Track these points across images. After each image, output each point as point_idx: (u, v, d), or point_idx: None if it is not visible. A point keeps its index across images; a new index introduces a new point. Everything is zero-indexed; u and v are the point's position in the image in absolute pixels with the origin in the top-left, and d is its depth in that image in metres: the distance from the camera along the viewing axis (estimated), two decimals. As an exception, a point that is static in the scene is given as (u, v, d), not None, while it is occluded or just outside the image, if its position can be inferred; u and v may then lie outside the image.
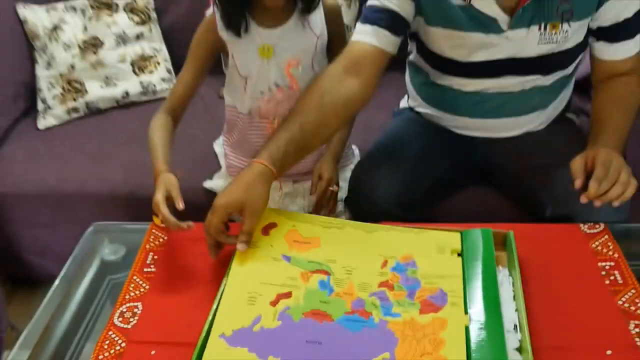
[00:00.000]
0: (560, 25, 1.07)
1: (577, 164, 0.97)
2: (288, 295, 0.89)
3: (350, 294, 0.88)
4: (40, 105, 1.68)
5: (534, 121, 1.22)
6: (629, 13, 1.07)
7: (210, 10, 1.14)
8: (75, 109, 1.68)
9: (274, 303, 0.88)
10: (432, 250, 0.94)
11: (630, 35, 1.10)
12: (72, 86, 1.68)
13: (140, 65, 1.73)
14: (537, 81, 1.15)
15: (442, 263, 0.92)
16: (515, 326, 0.81)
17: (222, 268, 0.96)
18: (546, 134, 1.21)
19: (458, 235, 0.95)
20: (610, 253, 0.94)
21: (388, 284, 0.90)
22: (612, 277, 0.89)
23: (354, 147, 1.39)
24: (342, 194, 1.25)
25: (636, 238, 1.02)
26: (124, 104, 1.72)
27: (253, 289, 0.90)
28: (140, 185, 1.44)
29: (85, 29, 1.72)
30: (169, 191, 0.99)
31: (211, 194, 1.38)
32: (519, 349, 0.78)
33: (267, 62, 1.14)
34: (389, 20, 1.10)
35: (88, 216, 1.24)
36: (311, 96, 1.06)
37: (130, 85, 1.71)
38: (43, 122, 1.67)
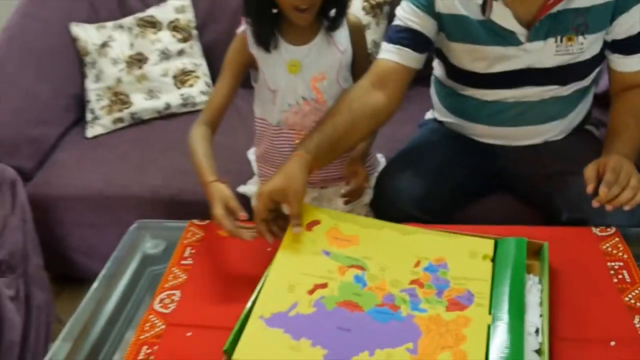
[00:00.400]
0: (575, 37, 1.13)
1: (589, 171, 1.02)
2: (324, 286, 0.96)
3: (382, 289, 0.95)
4: (88, 116, 1.81)
5: (553, 130, 1.27)
6: (638, 28, 1.12)
7: (242, 28, 1.22)
8: (120, 119, 1.80)
9: (310, 292, 0.95)
10: (465, 254, 0.99)
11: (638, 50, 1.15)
12: (119, 98, 1.81)
13: (181, 79, 1.84)
14: (555, 91, 1.21)
15: (472, 267, 0.96)
16: (537, 330, 0.85)
17: (255, 261, 1.04)
18: (564, 143, 1.26)
19: (491, 241, 0.99)
20: (620, 254, 0.98)
21: (419, 282, 0.95)
22: (620, 276, 0.94)
23: (379, 155, 1.46)
24: (367, 198, 1.32)
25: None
26: (165, 115, 1.83)
27: (293, 279, 0.97)
28: (179, 189, 1.54)
29: (132, 45, 1.85)
30: (226, 203, 1.04)
31: (245, 199, 1.46)
32: (538, 351, 0.82)
33: (295, 77, 1.21)
34: (411, 39, 1.18)
35: (131, 218, 1.30)
36: (342, 104, 1.16)
37: (171, 97, 1.83)
38: (91, 131, 1.79)
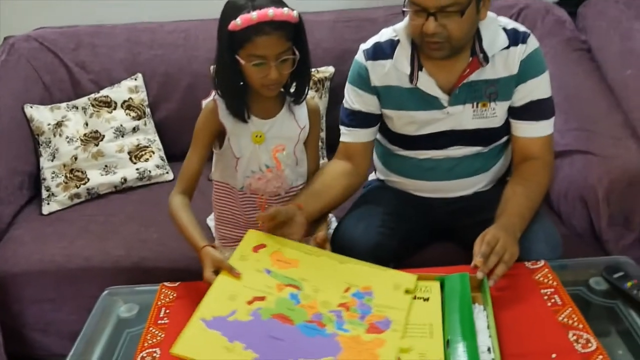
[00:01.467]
0: (488, 103, 1.34)
1: (475, 245, 1.16)
2: (262, 299, 1.09)
3: (313, 308, 1.07)
4: (44, 193, 1.85)
5: (480, 182, 1.46)
6: (535, 97, 1.33)
7: (210, 98, 1.33)
8: (77, 195, 1.85)
9: (249, 302, 1.07)
10: (390, 286, 1.12)
11: (537, 117, 1.34)
12: (75, 175, 1.86)
13: (136, 154, 1.92)
14: (478, 151, 1.41)
15: (394, 298, 1.10)
16: (489, 348, 0.98)
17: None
18: (491, 194, 1.43)
19: (414, 277, 1.14)
20: (550, 282, 1.14)
21: (346, 306, 1.08)
22: (552, 300, 1.09)
23: (330, 215, 1.59)
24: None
25: (570, 270, 1.23)
26: (122, 189, 1.89)
27: (235, 290, 1.10)
28: (141, 258, 1.59)
29: (87, 124, 1.93)
30: (218, 267, 1.14)
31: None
32: None
33: (259, 147, 1.32)
34: (360, 119, 1.42)
35: (93, 290, 1.33)
36: (320, 174, 1.40)
37: (127, 172, 1.89)
38: (47, 208, 1.82)
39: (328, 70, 1.95)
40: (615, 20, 1.88)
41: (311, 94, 1.89)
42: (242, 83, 1.26)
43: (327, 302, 1.09)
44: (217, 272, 1.14)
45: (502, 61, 1.32)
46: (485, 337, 1.00)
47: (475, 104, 1.34)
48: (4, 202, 1.76)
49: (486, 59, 1.30)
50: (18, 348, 1.68)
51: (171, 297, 1.22)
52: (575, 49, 1.88)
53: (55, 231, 1.72)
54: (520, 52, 1.31)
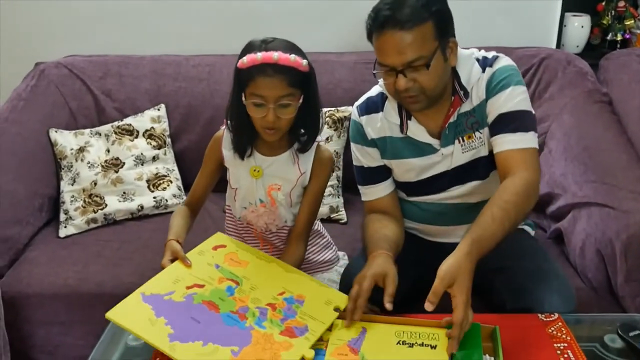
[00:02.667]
0: (473, 134, 1.35)
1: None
2: (202, 286, 1.17)
3: (243, 301, 1.15)
4: (62, 216, 1.87)
5: None
6: (503, 109, 1.30)
7: (222, 128, 1.36)
8: (94, 220, 1.87)
9: (189, 287, 1.16)
10: (322, 300, 1.18)
11: (510, 130, 1.28)
12: (93, 200, 1.89)
13: (155, 182, 1.95)
14: (479, 187, 1.39)
15: (322, 311, 1.15)
16: None
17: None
18: (503, 242, 1.42)
19: (345, 297, 1.18)
20: (564, 336, 1.12)
21: (273, 306, 1.15)
22: (565, 355, 1.07)
23: (341, 253, 1.58)
24: None
25: (584, 325, 1.21)
26: (138, 216, 1.92)
27: (181, 275, 1.19)
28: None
29: (108, 151, 1.96)
30: (175, 256, 1.23)
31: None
32: None
33: (256, 181, 1.33)
34: (374, 175, 1.44)
35: (103, 316, 1.35)
36: (370, 224, 1.40)
37: (145, 200, 1.92)
38: (64, 231, 1.84)
39: (347, 109, 1.97)
40: (637, 74, 1.89)
41: (329, 132, 1.93)
42: (248, 124, 1.27)
43: (258, 299, 1.16)
44: (174, 261, 1.23)
45: (476, 89, 1.33)
46: None
47: (461, 138, 1.36)
48: (22, 223, 1.78)
49: (466, 95, 1.33)
50: (24, 370, 1.69)
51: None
52: (596, 101, 1.89)
53: (70, 255, 1.74)
54: (487, 76, 1.32)
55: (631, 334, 1.11)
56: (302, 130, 1.32)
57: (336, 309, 1.16)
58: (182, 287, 1.16)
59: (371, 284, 1.18)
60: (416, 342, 1.11)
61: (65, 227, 1.85)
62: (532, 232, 1.53)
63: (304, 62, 1.22)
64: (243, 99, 1.23)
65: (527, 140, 1.28)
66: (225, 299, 1.15)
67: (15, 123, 1.92)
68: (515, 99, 1.31)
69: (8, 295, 1.60)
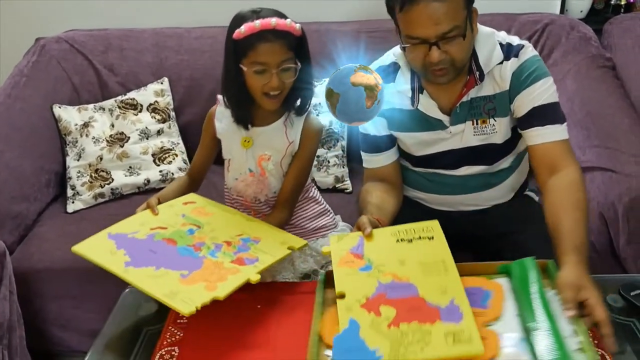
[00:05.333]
0: (488, 120, 1.34)
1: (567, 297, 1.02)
2: (164, 228, 1.23)
3: (200, 239, 1.21)
4: (69, 192, 1.89)
5: (495, 196, 1.45)
6: (537, 103, 1.28)
7: (222, 99, 1.36)
8: (101, 194, 1.89)
9: (152, 229, 1.23)
10: (278, 241, 1.22)
11: (546, 122, 1.28)
12: (99, 175, 1.91)
13: (160, 156, 1.96)
14: (487, 169, 1.40)
15: (274, 247, 1.19)
16: (574, 331, 0.95)
17: (247, 317, 1.13)
18: (509, 206, 1.44)
19: (303, 242, 1.23)
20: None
21: (229, 243, 1.19)
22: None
23: (337, 217, 1.58)
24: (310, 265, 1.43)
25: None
26: (145, 190, 1.93)
27: (147, 220, 1.26)
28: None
29: (113, 125, 1.97)
30: (148, 205, 1.31)
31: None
32: (580, 350, 0.92)
33: (246, 151, 1.36)
34: (379, 144, 1.43)
35: (113, 289, 1.37)
36: (366, 192, 1.40)
37: (151, 173, 1.93)
38: (72, 206, 1.86)
39: (351, 79, 1.97)
40: (640, 38, 1.88)
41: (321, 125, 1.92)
42: (247, 94, 1.29)
43: (216, 237, 1.21)
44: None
45: (498, 76, 1.31)
46: (564, 322, 0.98)
47: (475, 120, 1.34)
48: (30, 199, 1.81)
49: (482, 77, 1.30)
50: (39, 343, 1.72)
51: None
52: (600, 66, 1.88)
53: (79, 229, 1.76)
54: (512, 66, 1.29)
55: (632, 293, 1.13)
56: (296, 96, 1.32)
57: (290, 248, 1.20)
58: (146, 228, 1.23)
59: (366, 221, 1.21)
60: (414, 237, 1.16)
61: (73, 202, 1.87)
62: (537, 198, 1.54)
63: (298, 25, 1.24)
64: (243, 68, 1.24)
65: (562, 131, 1.30)
66: (185, 237, 1.21)
67: (18, 99, 1.92)
68: (547, 92, 1.30)
69: (19, 271, 1.62)
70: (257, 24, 1.20)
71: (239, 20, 1.24)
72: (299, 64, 1.26)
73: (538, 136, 1.30)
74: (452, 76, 1.26)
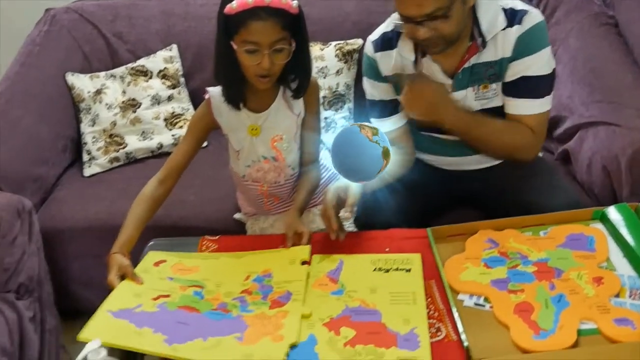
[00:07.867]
0: (489, 85, 1.36)
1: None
2: (167, 296, 1.12)
3: (217, 299, 1.11)
4: (85, 157, 1.94)
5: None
6: (528, 73, 1.31)
7: (212, 93, 1.31)
8: (116, 159, 1.94)
9: (155, 299, 1.10)
10: (286, 262, 1.18)
11: (528, 95, 1.32)
12: (114, 139, 1.95)
13: (172, 121, 2.00)
14: None
15: (291, 271, 1.16)
16: None
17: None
18: (510, 166, 1.46)
19: (307, 248, 1.20)
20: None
21: (248, 291, 1.13)
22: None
23: None
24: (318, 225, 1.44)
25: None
26: (158, 154, 1.98)
27: (139, 290, 1.12)
28: (179, 217, 1.68)
29: (124, 92, 2.01)
30: (124, 273, 1.15)
31: (240, 224, 1.62)
32: None
33: (256, 139, 1.33)
34: (386, 108, 1.45)
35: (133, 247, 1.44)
36: None
37: (163, 138, 1.98)
38: (88, 170, 1.92)
39: (357, 42, 2.00)
40: (643, -4, 1.90)
41: (339, 65, 1.96)
42: (238, 72, 1.23)
43: (230, 292, 1.13)
44: (122, 278, 1.15)
45: (501, 42, 1.31)
46: None
47: (476, 86, 1.36)
48: (48, 163, 1.86)
49: (484, 44, 1.31)
50: (64, 302, 1.77)
51: (212, 248, 1.30)
52: (602, 24, 1.90)
53: (96, 192, 1.82)
54: (515, 33, 1.29)
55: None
56: (293, 76, 1.28)
57: (303, 263, 1.17)
58: (147, 299, 1.09)
59: (332, 196, 1.24)
60: (392, 268, 1.16)
61: (90, 166, 1.92)
62: (540, 154, 1.58)
63: (294, 3, 1.17)
64: (234, 47, 1.18)
65: (539, 105, 1.34)
66: (199, 302, 1.10)
67: (32, 67, 1.96)
68: (540, 62, 1.31)
69: (43, 231, 1.67)
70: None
71: None
72: (293, 44, 1.20)
73: (515, 106, 1.35)
74: (443, 47, 1.28)
